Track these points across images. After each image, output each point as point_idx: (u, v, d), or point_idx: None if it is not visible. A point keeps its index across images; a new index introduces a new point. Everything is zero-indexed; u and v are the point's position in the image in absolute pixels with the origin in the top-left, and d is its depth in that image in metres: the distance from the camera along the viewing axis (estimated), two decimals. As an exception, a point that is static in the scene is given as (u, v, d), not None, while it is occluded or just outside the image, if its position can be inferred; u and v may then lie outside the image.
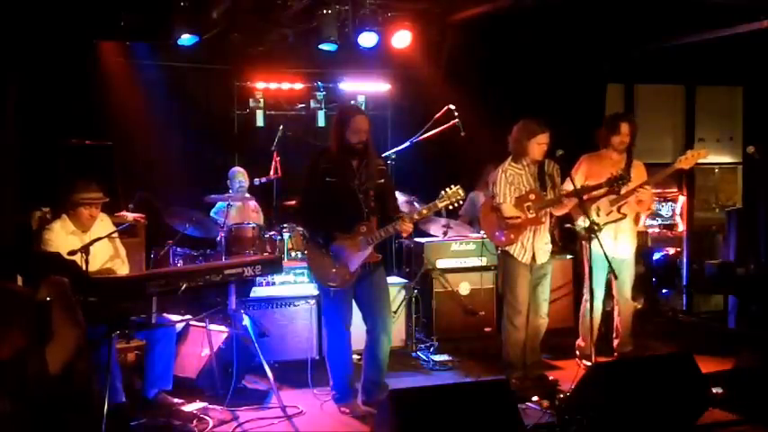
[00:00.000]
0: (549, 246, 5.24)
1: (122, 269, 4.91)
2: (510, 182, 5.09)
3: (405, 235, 4.69)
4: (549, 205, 5.10)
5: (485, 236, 6.37)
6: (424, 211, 4.62)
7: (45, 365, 2.98)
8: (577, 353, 5.66)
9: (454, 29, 7.27)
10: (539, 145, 5.01)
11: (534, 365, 5.28)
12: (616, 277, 5.13)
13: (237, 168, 7.05)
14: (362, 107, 7.50)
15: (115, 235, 4.77)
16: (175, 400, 4.70)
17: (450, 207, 4.66)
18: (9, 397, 2.85)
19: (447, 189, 4.56)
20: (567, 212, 5.41)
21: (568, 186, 5.18)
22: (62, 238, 4.57)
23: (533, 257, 5.12)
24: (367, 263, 4.66)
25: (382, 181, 4.75)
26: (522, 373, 5.18)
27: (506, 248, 5.12)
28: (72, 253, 4.26)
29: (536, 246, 5.11)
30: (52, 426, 2.97)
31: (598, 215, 5.36)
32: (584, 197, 5.08)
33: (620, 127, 5.41)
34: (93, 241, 4.34)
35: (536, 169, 5.12)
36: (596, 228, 4.88)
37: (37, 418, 2.92)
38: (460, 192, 4.56)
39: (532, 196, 5.06)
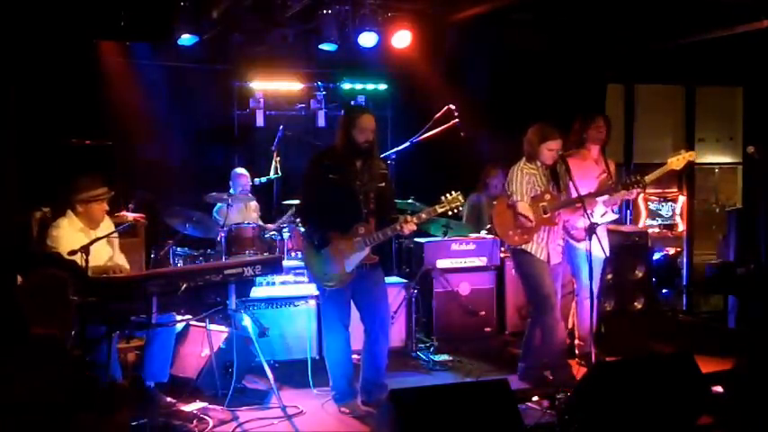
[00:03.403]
0: (560, 248, 5.24)
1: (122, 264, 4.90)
2: (527, 180, 5.09)
3: (406, 233, 4.65)
4: (563, 206, 5.10)
5: (490, 235, 6.39)
6: (423, 216, 4.61)
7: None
8: (576, 351, 5.65)
9: (454, 29, 7.27)
10: (549, 151, 5.03)
11: (536, 365, 5.29)
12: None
13: (240, 169, 7.05)
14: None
15: (115, 235, 4.77)
16: (169, 399, 4.70)
17: (450, 213, 4.65)
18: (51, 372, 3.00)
19: (447, 195, 4.57)
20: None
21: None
22: (70, 234, 4.56)
23: (548, 258, 5.11)
24: (364, 264, 4.65)
25: (383, 184, 4.74)
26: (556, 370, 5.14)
27: (523, 247, 5.10)
28: (72, 253, 4.26)
29: (550, 246, 5.11)
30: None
31: (592, 215, 5.35)
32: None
33: (595, 118, 5.48)
34: (93, 241, 4.34)
35: (549, 171, 5.14)
36: (595, 228, 4.93)
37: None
38: (460, 198, 4.57)
39: (548, 196, 5.06)
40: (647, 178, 5.38)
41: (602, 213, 5.41)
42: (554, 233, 5.13)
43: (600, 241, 4.93)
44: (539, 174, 5.12)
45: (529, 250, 5.08)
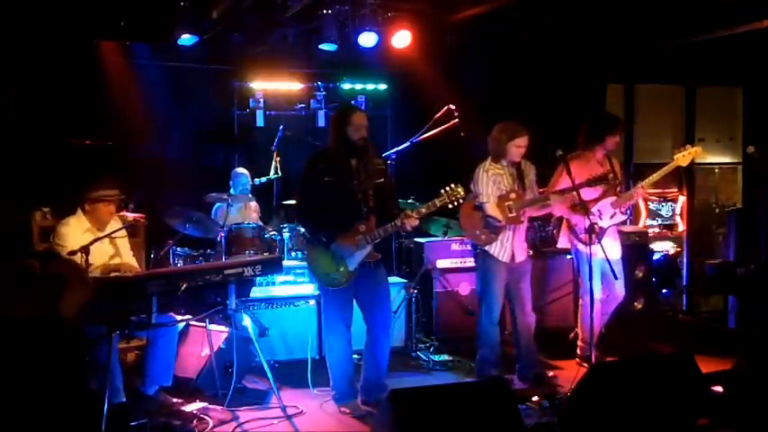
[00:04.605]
0: (525, 244, 5.31)
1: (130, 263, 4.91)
2: (493, 181, 5.12)
3: (409, 228, 4.64)
4: (528, 205, 5.15)
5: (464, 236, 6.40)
6: (423, 210, 4.60)
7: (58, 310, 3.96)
8: (578, 352, 5.65)
9: (454, 29, 7.27)
10: (517, 148, 5.06)
11: (533, 363, 5.30)
12: (616, 277, 5.14)
13: (241, 169, 7.05)
14: (362, 107, 7.52)
15: (119, 234, 4.76)
16: (175, 400, 4.70)
17: (450, 206, 4.65)
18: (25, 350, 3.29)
19: (446, 188, 4.57)
20: (563, 214, 5.45)
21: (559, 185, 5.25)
22: (77, 233, 4.55)
23: (512, 257, 5.15)
24: (366, 262, 4.66)
25: (381, 180, 4.74)
26: (498, 371, 5.21)
27: (486, 248, 5.14)
28: (72, 253, 4.26)
29: (515, 244, 5.16)
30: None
31: (601, 218, 5.37)
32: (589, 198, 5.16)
33: (617, 128, 5.47)
34: (93, 241, 4.34)
35: (515, 170, 5.18)
36: (596, 229, 4.98)
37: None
38: (460, 190, 4.56)
39: (513, 195, 5.10)
40: (654, 177, 5.38)
41: (611, 215, 5.42)
42: (519, 231, 5.19)
43: (603, 248, 4.93)
44: (505, 173, 5.15)
45: (492, 252, 5.12)
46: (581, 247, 5.35)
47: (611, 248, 5.40)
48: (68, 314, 3.99)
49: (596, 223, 5.22)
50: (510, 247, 5.13)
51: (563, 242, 5.62)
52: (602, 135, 5.44)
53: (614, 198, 5.37)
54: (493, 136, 5.14)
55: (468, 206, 5.24)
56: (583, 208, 5.03)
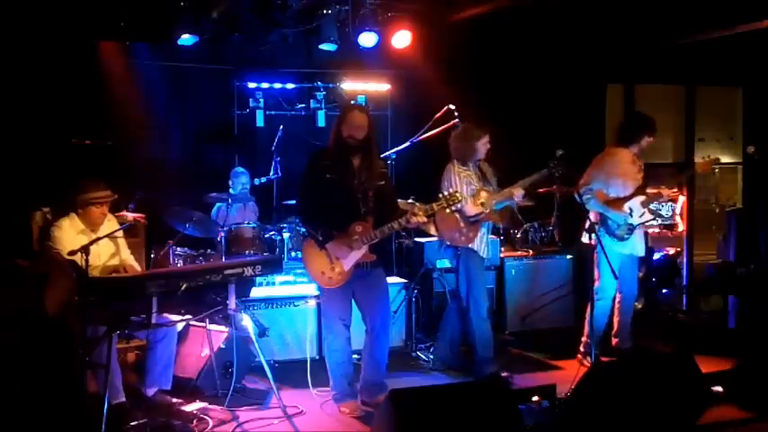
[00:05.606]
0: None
1: (131, 263, 4.92)
2: (466, 182, 5.19)
3: (413, 222, 4.59)
4: (500, 199, 5.24)
5: (492, 236, 6.41)
6: (428, 209, 4.60)
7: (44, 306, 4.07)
8: (582, 349, 5.63)
9: (454, 29, 7.27)
10: (484, 146, 5.23)
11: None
12: (616, 277, 5.16)
13: (240, 169, 7.05)
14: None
15: (119, 234, 4.76)
16: (174, 400, 4.70)
17: (448, 210, 4.65)
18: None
19: (445, 192, 4.58)
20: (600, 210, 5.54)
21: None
22: (71, 236, 4.56)
23: (486, 252, 5.30)
24: (363, 262, 4.65)
25: (382, 183, 4.74)
26: (496, 368, 5.27)
27: (470, 246, 5.22)
28: (72, 253, 4.26)
29: (486, 240, 5.30)
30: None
31: (631, 215, 5.43)
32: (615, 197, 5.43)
33: (655, 131, 5.57)
34: (93, 241, 4.33)
35: (478, 168, 5.31)
36: (595, 227, 5.13)
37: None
38: (458, 195, 4.57)
39: (484, 193, 5.20)
40: (671, 182, 5.73)
41: (641, 214, 5.49)
42: (488, 228, 5.34)
43: (598, 250, 5.02)
44: (472, 173, 5.26)
45: (476, 249, 5.23)
46: (617, 244, 5.43)
47: (639, 245, 5.56)
48: (53, 311, 4.03)
49: (596, 223, 5.32)
50: (485, 242, 5.27)
51: (586, 238, 5.64)
52: (639, 136, 5.52)
53: (643, 197, 5.46)
54: (459, 142, 5.27)
55: (443, 210, 5.24)
56: (616, 205, 5.30)
